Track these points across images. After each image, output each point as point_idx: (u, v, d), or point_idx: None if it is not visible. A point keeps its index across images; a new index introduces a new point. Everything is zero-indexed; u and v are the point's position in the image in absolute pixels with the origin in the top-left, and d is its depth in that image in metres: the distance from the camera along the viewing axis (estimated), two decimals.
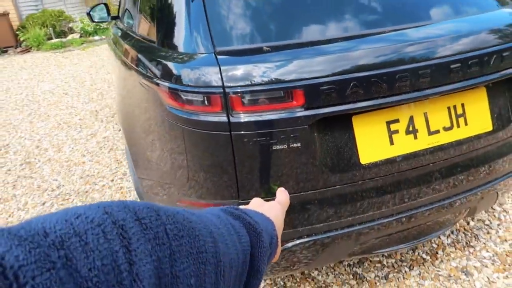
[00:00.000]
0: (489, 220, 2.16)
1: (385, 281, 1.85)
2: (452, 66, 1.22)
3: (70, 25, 10.21)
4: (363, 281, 1.86)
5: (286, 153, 1.15)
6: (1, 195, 3.04)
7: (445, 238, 2.07)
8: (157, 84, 1.26)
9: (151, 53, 1.41)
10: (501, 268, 1.84)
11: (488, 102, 1.36)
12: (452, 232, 2.10)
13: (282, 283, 1.89)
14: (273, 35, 1.25)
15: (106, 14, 3.39)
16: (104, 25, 10.36)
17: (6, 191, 3.09)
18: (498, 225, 2.12)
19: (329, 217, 1.26)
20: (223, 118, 1.13)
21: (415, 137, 1.27)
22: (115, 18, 3.35)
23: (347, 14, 1.28)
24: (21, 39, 9.57)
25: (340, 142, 1.20)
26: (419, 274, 1.86)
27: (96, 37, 9.92)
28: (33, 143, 3.95)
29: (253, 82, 1.11)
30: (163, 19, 1.43)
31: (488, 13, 1.42)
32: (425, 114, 1.27)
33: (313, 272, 1.94)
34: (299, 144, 1.15)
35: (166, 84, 1.21)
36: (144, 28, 1.73)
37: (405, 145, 1.26)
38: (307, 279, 1.91)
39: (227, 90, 1.11)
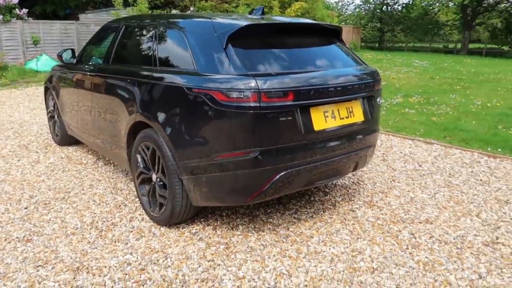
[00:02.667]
0: (362, 188, 3.69)
1: (312, 218, 3.12)
2: (346, 89, 2.69)
3: None
4: (299, 219, 3.10)
5: (284, 122, 2.39)
6: None
7: (338, 197, 3.49)
8: (215, 90, 2.37)
9: (200, 76, 2.50)
10: (369, 206, 3.32)
11: (361, 107, 2.87)
12: (342, 195, 3.54)
13: (252, 226, 2.98)
14: (272, 68, 2.53)
15: (71, 57, 4.16)
16: None
17: None
18: (363, 190, 3.65)
19: (300, 158, 2.51)
20: (257, 104, 2.32)
21: (335, 120, 2.66)
22: (78, 61, 4.16)
23: (305, 62, 2.66)
24: None
25: (306, 119, 2.50)
26: (329, 214, 3.20)
27: None
28: None
29: (270, 87, 2.34)
30: (204, 58, 2.57)
31: (354, 67, 2.99)
32: (338, 110, 2.69)
33: (269, 220, 3.08)
34: (290, 118, 2.41)
35: (223, 89, 2.35)
36: (177, 63, 2.78)
37: (330, 123, 2.63)
38: (266, 223, 3.04)
39: (260, 90, 2.31)
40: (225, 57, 2.49)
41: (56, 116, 4.90)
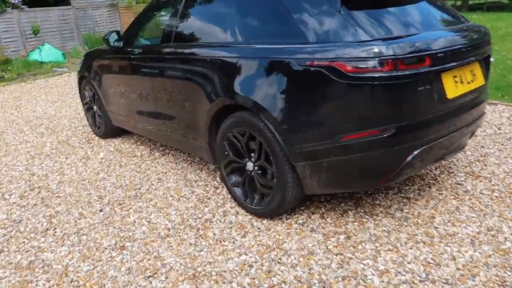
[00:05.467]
0: (454, 158, 3.42)
1: (420, 196, 2.85)
2: (470, 49, 2.36)
3: None
4: (409, 198, 2.82)
5: (421, 92, 2.08)
6: (42, 213, 3.02)
7: (435, 170, 3.22)
8: (340, 61, 2.04)
9: (315, 46, 2.17)
10: (474, 178, 3.05)
11: (480, 69, 2.55)
12: (437, 167, 3.26)
13: (363, 211, 2.71)
14: (394, 31, 2.19)
15: (116, 40, 3.76)
16: None
17: (40, 210, 3.07)
18: (457, 160, 3.38)
19: (435, 132, 2.21)
20: (393, 73, 1.99)
21: (463, 85, 2.34)
22: (127, 43, 3.76)
23: (420, 22, 2.34)
24: None
25: (439, 86, 2.18)
26: (437, 190, 2.92)
27: None
28: (22, 173, 3.82)
29: (406, 52, 2.01)
30: (315, 25, 2.22)
31: (465, 25, 2.64)
32: (464, 74, 2.37)
33: (376, 202, 2.81)
34: (427, 87, 2.09)
35: (350, 58, 2.01)
36: (273, 34, 2.43)
37: (460, 89, 2.32)
38: (375, 206, 2.77)
39: (396, 57, 1.98)
40: (343, 21, 2.14)
41: (96, 107, 4.53)
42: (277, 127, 2.33)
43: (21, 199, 3.30)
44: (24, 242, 2.67)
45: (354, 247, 2.35)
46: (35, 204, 3.18)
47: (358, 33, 2.09)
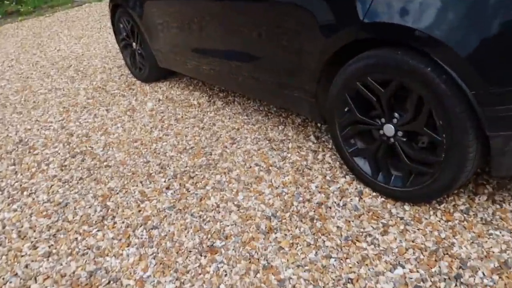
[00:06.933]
0: None
1: None
2: None
3: None
4: None
5: None
6: (92, 192, 2.31)
7: None
8: None
9: None
10: None
11: None
12: None
13: None
14: None
15: None
16: None
17: (89, 188, 2.36)
18: None
19: None
20: None
21: None
22: None
23: None
24: None
25: None
26: None
27: None
28: (57, 133, 3.08)
29: None
30: None
31: None
32: None
33: None
34: None
35: None
36: None
37: None
38: None
39: None
40: None
41: (136, 45, 3.63)
42: (466, 76, 1.41)
43: (61, 170, 2.59)
44: (76, 239, 1.98)
45: None
46: (80, 178, 2.47)
47: None
